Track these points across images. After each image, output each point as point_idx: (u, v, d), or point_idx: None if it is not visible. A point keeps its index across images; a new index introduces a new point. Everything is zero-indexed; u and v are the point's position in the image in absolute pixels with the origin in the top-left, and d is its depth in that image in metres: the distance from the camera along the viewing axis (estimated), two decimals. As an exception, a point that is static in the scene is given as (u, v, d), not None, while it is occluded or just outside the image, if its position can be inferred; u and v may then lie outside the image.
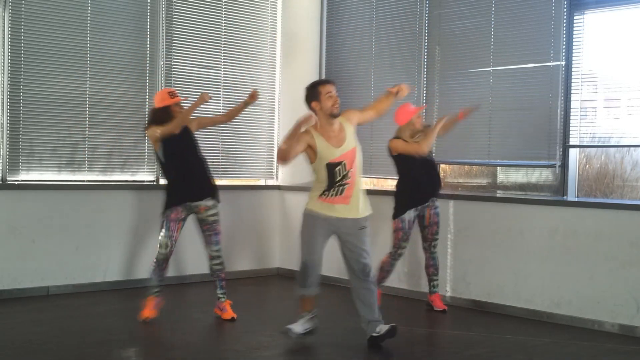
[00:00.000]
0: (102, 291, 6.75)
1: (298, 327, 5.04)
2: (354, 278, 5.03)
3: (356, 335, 5.32)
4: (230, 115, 6.10)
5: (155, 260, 5.64)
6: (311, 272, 4.99)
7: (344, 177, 4.87)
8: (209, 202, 5.66)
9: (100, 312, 5.98)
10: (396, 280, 6.73)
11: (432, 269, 6.27)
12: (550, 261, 5.96)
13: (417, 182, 6.10)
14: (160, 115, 5.56)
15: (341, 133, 4.94)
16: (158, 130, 5.50)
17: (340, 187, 4.88)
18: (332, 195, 4.89)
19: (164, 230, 5.59)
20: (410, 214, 6.07)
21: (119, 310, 5.98)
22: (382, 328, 4.98)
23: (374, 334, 4.98)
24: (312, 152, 4.91)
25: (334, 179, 4.87)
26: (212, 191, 5.71)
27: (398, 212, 6.07)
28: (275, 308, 6.44)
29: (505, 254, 6.23)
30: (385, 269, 6.16)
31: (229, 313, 5.74)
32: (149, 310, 5.57)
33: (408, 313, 6.22)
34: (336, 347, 5.04)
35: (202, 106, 5.92)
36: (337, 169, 4.87)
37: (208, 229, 5.69)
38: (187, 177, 5.61)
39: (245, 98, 5.97)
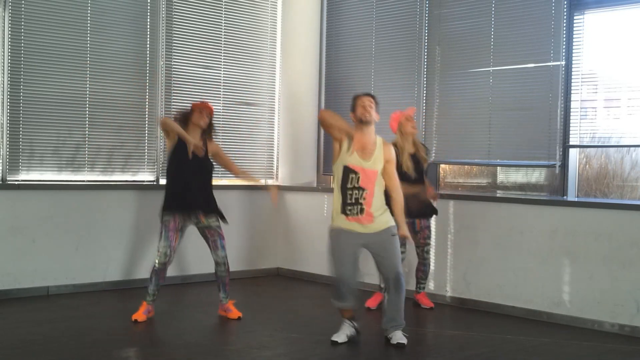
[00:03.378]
0: (102, 291, 6.75)
1: (341, 336, 5.10)
2: (389, 285, 5.07)
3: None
4: (237, 173, 6.19)
5: (154, 267, 5.64)
6: (343, 287, 5.04)
7: (356, 190, 4.92)
8: (207, 212, 5.67)
9: (100, 312, 5.99)
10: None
11: (421, 274, 6.37)
12: (550, 261, 5.96)
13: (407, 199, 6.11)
14: (182, 116, 5.71)
15: (372, 150, 4.97)
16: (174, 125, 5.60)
17: (360, 206, 4.93)
18: (354, 214, 4.94)
19: (162, 240, 5.58)
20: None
21: (119, 310, 5.98)
22: (396, 337, 5.04)
23: (388, 337, 5.09)
24: (338, 148, 5.02)
25: (346, 184, 4.94)
26: (206, 207, 5.69)
27: None
28: (275, 308, 6.44)
29: (505, 254, 6.23)
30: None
31: (234, 313, 5.77)
32: (141, 314, 5.59)
33: (408, 313, 6.21)
34: (336, 347, 5.04)
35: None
36: (351, 175, 4.93)
37: (212, 234, 5.71)
38: (187, 187, 5.61)
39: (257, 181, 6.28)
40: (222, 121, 7.65)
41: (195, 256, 7.41)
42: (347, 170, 4.95)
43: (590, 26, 6.15)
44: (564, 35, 6.19)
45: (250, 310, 5.98)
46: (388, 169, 5.04)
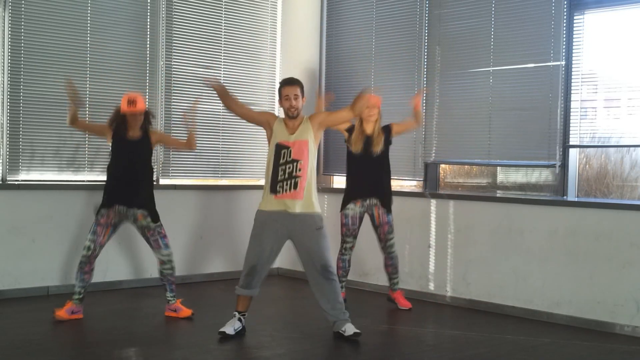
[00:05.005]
0: (102, 291, 6.75)
1: (229, 328, 5.15)
2: (317, 277, 5.11)
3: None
4: (189, 145, 5.92)
5: (79, 262, 5.61)
6: (256, 275, 5.13)
7: (289, 163, 5.04)
8: (145, 211, 5.63)
9: (100, 312, 5.98)
10: (396, 280, 6.73)
11: (390, 269, 6.31)
12: (550, 261, 5.96)
13: (356, 178, 6.19)
14: (116, 119, 5.63)
15: (298, 126, 5.16)
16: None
17: (293, 180, 5.03)
18: (285, 190, 5.03)
19: (90, 234, 5.56)
20: (354, 210, 6.11)
21: (119, 310, 5.98)
22: (349, 329, 5.09)
23: (340, 331, 5.12)
24: (269, 133, 5.18)
25: (278, 160, 5.06)
26: (144, 204, 5.62)
27: (341, 206, 6.24)
28: (275, 308, 6.44)
29: (505, 254, 6.23)
30: (338, 266, 6.19)
31: (185, 311, 5.75)
32: (63, 312, 5.52)
33: (408, 313, 6.22)
34: (336, 347, 5.05)
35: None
36: (282, 151, 5.07)
37: (153, 233, 5.65)
38: (123, 180, 5.58)
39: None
40: (222, 121, 7.66)
41: (194, 256, 7.42)
42: (279, 147, 5.10)
43: (590, 26, 6.15)
44: (564, 35, 6.19)
45: (250, 311, 5.98)
46: (325, 118, 5.26)
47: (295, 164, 5.05)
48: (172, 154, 7.32)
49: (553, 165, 6.27)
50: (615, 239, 5.62)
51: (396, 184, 7.48)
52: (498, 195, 6.80)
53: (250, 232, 5.20)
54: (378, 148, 6.11)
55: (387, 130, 6.21)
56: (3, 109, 6.43)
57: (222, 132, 7.71)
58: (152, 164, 5.83)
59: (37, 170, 6.62)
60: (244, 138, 7.92)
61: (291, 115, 5.15)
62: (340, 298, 5.18)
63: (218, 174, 7.80)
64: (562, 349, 5.13)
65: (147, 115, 5.69)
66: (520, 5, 6.46)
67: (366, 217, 6.26)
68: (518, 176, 6.92)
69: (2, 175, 6.43)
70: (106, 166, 5.75)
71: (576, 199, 6.19)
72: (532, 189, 6.77)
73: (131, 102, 5.53)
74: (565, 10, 6.17)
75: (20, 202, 6.45)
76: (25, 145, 6.54)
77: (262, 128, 5.30)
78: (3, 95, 6.42)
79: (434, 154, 7.04)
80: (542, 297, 5.99)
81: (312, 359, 4.83)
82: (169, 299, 5.80)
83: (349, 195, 6.22)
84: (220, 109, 7.61)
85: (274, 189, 5.07)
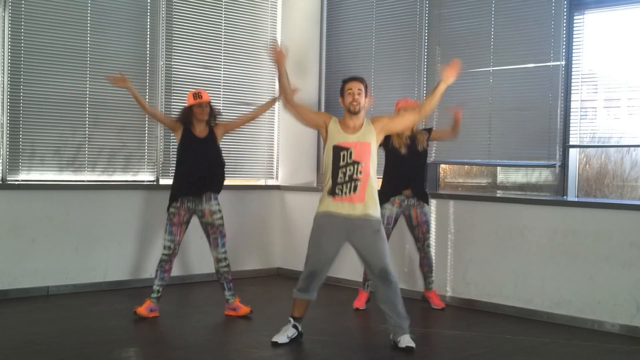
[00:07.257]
0: (102, 291, 6.75)
1: (281, 337, 4.99)
2: (375, 281, 4.93)
3: (355, 334, 5.32)
4: (257, 113, 6.19)
5: (159, 261, 5.74)
6: (315, 280, 4.96)
7: (349, 165, 4.80)
8: (213, 207, 5.73)
9: (100, 312, 5.98)
10: (396, 280, 6.73)
11: (426, 268, 6.33)
12: (550, 261, 5.96)
13: (396, 176, 6.15)
14: (184, 114, 5.76)
15: (360, 127, 4.90)
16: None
17: (353, 183, 4.79)
18: (345, 193, 4.81)
19: (167, 234, 5.69)
20: (391, 210, 6.11)
21: (119, 310, 5.98)
22: (404, 341, 4.89)
23: (395, 341, 4.93)
24: (325, 133, 4.95)
25: (338, 162, 4.81)
26: (214, 187, 5.76)
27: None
28: (275, 308, 6.43)
29: (505, 254, 6.23)
30: None
31: (243, 309, 5.81)
32: (143, 309, 5.65)
33: (407, 313, 6.21)
34: (336, 347, 5.04)
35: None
36: (342, 152, 4.82)
37: (215, 231, 5.76)
38: (190, 178, 5.69)
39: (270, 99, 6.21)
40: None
41: (195, 256, 7.42)
42: (338, 149, 4.84)
43: (590, 26, 6.15)
44: (564, 35, 6.19)
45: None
46: (388, 123, 4.97)
47: (356, 166, 4.79)
48: (172, 154, 7.30)
49: (553, 165, 6.27)
50: (615, 239, 5.62)
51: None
52: (498, 195, 6.80)
53: (309, 236, 5.00)
54: (423, 145, 6.16)
55: (427, 132, 6.27)
56: (3, 109, 6.43)
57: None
58: (223, 158, 5.87)
59: (37, 170, 6.63)
60: (244, 138, 7.93)
61: (352, 111, 4.86)
62: (400, 303, 4.94)
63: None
64: (562, 349, 5.13)
65: (212, 111, 5.80)
66: (520, 5, 6.47)
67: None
68: (518, 176, 6.92)
69: (2, 175, 6.44)
70: (174, 165, 5.86)
71: (576, 199, 6.19)
72: (532, 189, 6.77)
73: (196, 94, 5.68)
74: (565, 10, 6.18)
75: (20, 202, 6.45)
76: (25, 145, 6.55)
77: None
78: (3, 95, 6.42)
79: (434, 154, 7.03)
80: (542, 297, 5.99)
81: (312, 359, 4.83)
82: (228, 297, 5.85)
83: (388, 193, 6.13)
84: (219, 109, 7.61)
85: (332, 192, 4.83)
